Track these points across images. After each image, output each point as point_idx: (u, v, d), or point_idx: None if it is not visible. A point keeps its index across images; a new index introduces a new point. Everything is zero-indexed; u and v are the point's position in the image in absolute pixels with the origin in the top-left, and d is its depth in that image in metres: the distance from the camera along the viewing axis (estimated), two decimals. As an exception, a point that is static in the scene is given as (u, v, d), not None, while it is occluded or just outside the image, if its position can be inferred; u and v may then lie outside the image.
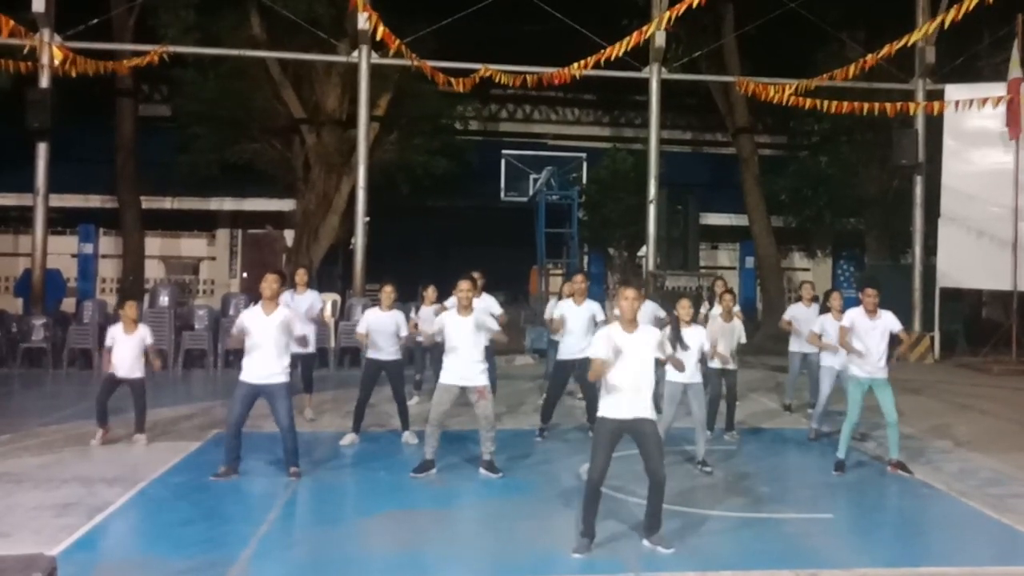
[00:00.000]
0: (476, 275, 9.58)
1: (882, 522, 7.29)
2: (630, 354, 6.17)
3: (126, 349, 9.44)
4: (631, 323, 6.27)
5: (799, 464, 9.38)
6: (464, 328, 8.18)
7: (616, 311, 6.39)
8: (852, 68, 17.80)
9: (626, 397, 6.16)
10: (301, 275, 10.86)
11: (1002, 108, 18.20)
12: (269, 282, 8.04)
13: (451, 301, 10.61)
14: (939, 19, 15.63)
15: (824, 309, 10.54)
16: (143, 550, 6.24)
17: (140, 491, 7.57)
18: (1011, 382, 15.78)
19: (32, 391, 13.89)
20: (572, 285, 10.30)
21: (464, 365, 8.16)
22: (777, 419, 11.71)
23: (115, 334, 9.48)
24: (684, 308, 8.48)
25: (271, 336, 7.93)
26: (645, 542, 6.28)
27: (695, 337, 8.33)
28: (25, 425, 10.33)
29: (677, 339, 7.69)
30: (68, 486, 7.65)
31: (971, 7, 14.68)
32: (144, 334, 9.57)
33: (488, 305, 10.33)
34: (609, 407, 6.21)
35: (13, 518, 6.72)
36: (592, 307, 9.96)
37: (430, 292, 11.48)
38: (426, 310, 11.25)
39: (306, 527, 7.02)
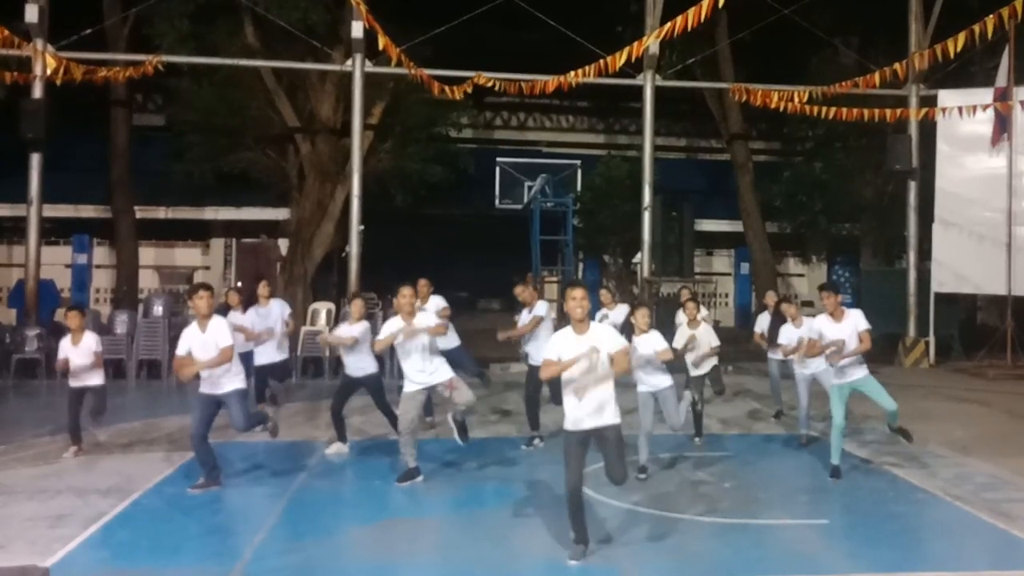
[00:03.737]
0: (423, 282, 9.68)
1: (877, 527, 7.27)
2: (581, 356, 6.09)
3: (75, 359, 9.36)
4: (581, 323, 6.20)
5: (793, 469, 9.36)
6: (409, 334, 8.14)
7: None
8: (878, 76, 17.95)
9: (585, 404, 6.11)
10: (263, 287, 11.08)
11: (992, 113, 18.32)
12: (204, 299, 8.00)
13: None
14: (978, 29, 15.74)
15: (779, 318, 10.42)
16: (138, 561, 6.22)
17: (134, 502, 7.55)
18: (1007, 386, 15.78)
19: (26, 402, 13.84)
20: (523, 294, 10.13)
21: (418, 367, 8.16)
22: (769, 424, 11.70)
23: (64, 345, 9.45)
24: (641, 316, 8.42)
25: (209, 351, 7.87)
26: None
27: (650, 343, 8.29)
28: (19, 436, 10.30)
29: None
30: (62, 497, 7.63)
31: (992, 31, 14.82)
32: (91, 343, 9.48)
33: (435, 304, 10.41)
34: (572, 419, 6.15)
35: (7, 529, 6.70)
36: (540, 309, 9.93)
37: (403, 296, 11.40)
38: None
39: (302, 537, 6.99)
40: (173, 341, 15.77)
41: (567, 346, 6.14)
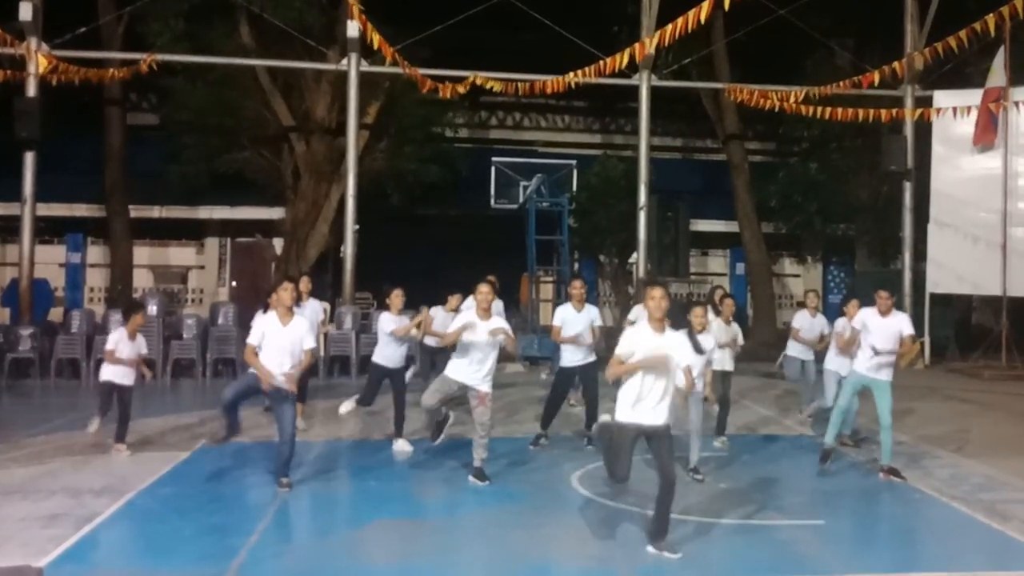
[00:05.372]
0: (492, 279, 9.62)
1: (874, 528, 7.27)
2: (656, 353, 6.15)
3: (128, 354, 9.42)
4: (660, 322, 6.26)
5: (790, 470, 9.35)
6: (481, 332, 8.13)
7: (630, 316, 6.39)
8: (877, 76, 18.14)
9: (649, 401, 6.14)
10: (305, 283, 10.84)
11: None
12: (289, 291, 8.00)
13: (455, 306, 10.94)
14: (980, 28, 15.84)
15: (841, 314, 10.54)
16: (131, 561, 6.19)
17: (129, 502, 7.51)
18: (1002, 387, 15.81)
19: (19, 402, 13.79)
20: (571, 290, 10.20)
21: (474, 368, 8.13)
22: (769, 426, 11.71)
23: (118, 339, 9.45)
24: (698, 316, 8.45)
25: (287, 345, 7.88)
26: (650, 549, 6.26)
27: (707, 343, 8.35)
28: (13, 436, 10.24)
29: (695, 345, 7.85)
30: (56, 497, 7.58)
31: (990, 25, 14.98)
32: (141, 343, 9.62)
33: (498, 309, 10.44)
34: (631, 412, 6.18)
35: (1, 529, 6.66)
36: (591, 312, 9.91)
37: (454, 299, 11.37)
38: (443, 313, 11.19)
39: (296, 538, 6.98)
40: (167, 340, 15.87)
41: (643, 342, 6.21)
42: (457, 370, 8.20)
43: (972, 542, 6.89)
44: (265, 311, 8.13)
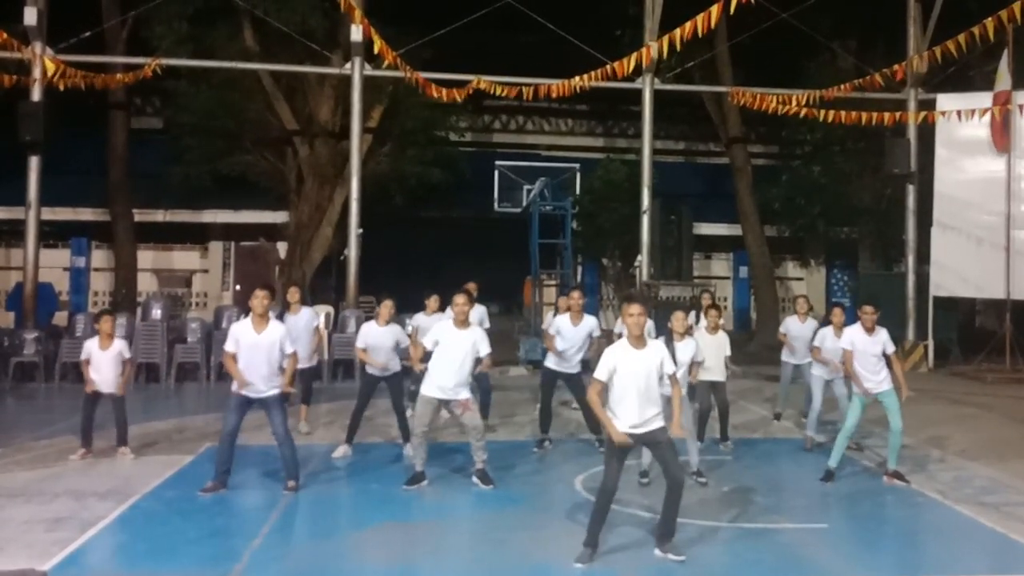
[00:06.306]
0: (471, 286, 9.57)
1: (877, 531, 7.27)
2: (638, 369, 6.19)
3: (103, 363, 9.35)
4: (638, 339, 6.28)
5: (793, 474, 9.36)
6: (459, 344, 8.10)
7: (622, 327, 6.39)
8: (880, 79, 18.26)
9: (636, 412, 6.15)
10: (293, 293, 10.77)
11: (989, 117, 18.32)
12: (260, 299, 7.99)
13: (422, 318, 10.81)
14: (978, 32, 15.89)
15: (827, 322, 10.52)
16: (135, 564, 6.20)
17: (133, 505, 7.53)
18: (1005, 390, 15.78)
19: (24, 405, 13.81)
20: (568, 301, 10.18)
21: (448, 379, 8.06)
22: (771, 429, 11.70)
23: (91, 348, 9.41)
24: (678, 321, 8.44)
25: (263, 352, 7.92)
26: (656, 552, 6.28)
27: (687, 350, 8.33)
28: (17, 439, 10.27)
29: (672, 356, 7.83)
30: (60, 500, 7.60)
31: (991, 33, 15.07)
32: (121, 347, 9.47)
33: (480, 317, 10.36)
34: (620, 423, 6.20)
35: (5, 532, 6.68)
36: (590, 324, 9.90)
37: (432, 302, 11.34)
38: (425, 319, 11.16)
39: (299, 540, 6.99)
40: (171, 344, 15.89)
41: (624, 361, 6.22)
42: (432, 387, 8.11)
43: (976, 545, 6.89)
44: (246, 315, 8.18)
